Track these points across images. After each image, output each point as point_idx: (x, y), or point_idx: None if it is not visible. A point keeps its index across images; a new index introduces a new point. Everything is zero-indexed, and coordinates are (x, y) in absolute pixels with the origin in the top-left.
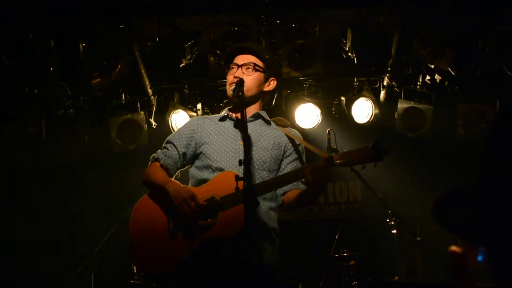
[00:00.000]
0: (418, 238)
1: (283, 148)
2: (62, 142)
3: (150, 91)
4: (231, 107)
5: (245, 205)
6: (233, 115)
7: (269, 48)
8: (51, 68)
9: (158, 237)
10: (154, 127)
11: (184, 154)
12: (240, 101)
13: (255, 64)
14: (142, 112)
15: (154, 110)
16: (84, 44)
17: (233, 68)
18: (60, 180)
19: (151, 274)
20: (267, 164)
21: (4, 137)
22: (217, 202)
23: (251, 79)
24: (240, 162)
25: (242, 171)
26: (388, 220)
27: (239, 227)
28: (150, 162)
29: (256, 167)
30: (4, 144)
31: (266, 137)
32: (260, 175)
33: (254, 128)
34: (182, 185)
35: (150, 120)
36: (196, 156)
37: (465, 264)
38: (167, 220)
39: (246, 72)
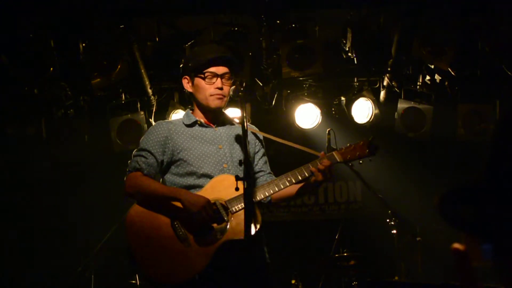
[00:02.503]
0: (418, 238)
1: (253, 144)
2: (62, 142)
3: (150, 91)
4: (193, 110)
5: (246, 205)
6: (203, 120)
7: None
8: (51, 68)
9: (169, 247)
10: None
11: (162, 162)
12: (241, 101)
13: (230, 74)
14: (142, 112)
15: (154, 110)
16: (84, 44)
17: (210, 77)
18: (60, 180)
19: (169, 285)
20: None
21: (4, 137)
22: (223, 206)
23: (229, 90)
24: (240, 163)
25: (237, 173)
26: (388, 220)
27: (255, 226)
28: (128, 171)
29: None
30: (4, 144)
31: (239, 137)
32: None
33: (226, 130)
34: (189, 191)
35: (150, 120)
36: (172, 162)
37: (467, 262)
38: (173, 228)
39: (226, 82)
